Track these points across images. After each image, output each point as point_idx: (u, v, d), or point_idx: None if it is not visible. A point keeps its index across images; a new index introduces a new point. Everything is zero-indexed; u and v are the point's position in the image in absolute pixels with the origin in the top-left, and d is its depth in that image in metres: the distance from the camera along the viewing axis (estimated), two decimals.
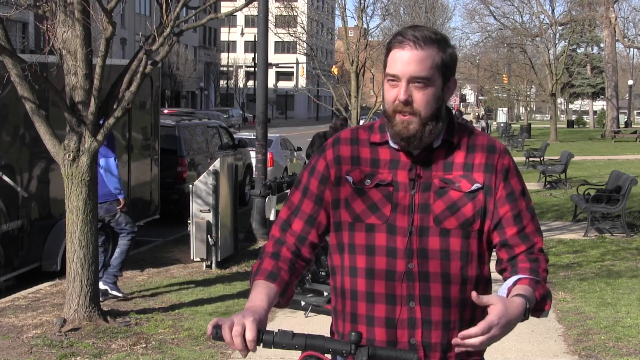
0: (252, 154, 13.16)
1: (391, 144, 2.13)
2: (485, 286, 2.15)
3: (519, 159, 22.66)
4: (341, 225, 2.15)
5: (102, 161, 7.04)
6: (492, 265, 2.18)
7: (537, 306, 1.99)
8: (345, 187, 2.14)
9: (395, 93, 2.05)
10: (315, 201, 2.17)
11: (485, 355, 2.23)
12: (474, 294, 1.89)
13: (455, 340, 1.87)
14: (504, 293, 2.01)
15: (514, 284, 2.01)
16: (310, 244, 2.17)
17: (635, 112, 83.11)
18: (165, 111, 27.16)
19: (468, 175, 2.10)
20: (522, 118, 78.62)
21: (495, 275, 2.18)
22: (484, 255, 2.13)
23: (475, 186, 2.09)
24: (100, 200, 7.01)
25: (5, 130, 7.59)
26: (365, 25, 20.18)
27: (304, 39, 23.16)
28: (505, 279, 2.10)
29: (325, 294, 6.93)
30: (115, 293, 7.26)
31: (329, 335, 2.04)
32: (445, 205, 2.07)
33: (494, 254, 2.19)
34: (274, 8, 23.36)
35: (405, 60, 2.03)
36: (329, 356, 1.89)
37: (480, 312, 2.13)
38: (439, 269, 2.06)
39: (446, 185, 2.09)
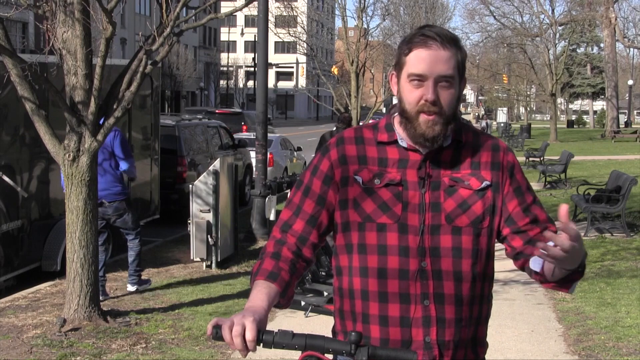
0: (252, 154, 13.16)
1: (400, 143, 2.12)
2: (489, 283, 2.18)
3: (519, 159, 22.66)
4: (349, 225, 2.14)
5: (122, 163, 7.33)
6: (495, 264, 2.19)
7: (571, 275, 2.02)
8: (354, 187, 2.13)
9: (420, 93, 2.04)
10: (317, 201, 2.16)
11: (486, 356, 2.23)
12: (562, 211, 1.83)
13: (542, 245, 1.85)
14: (539, 265, 2.04)
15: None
16: (311, 244, 2.16)
17: (635, 112, 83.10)
18: (218, 111, 29.40)
19: (476, 173, 2.12)
20: (522, 118, 78.66)
21: (497, 275, 2.19)
22: (491, 252, 2.15)
23: (485, 184, 2.11)
24: (110, 199, 7.27)
25: (5, 130, 7.59)
26: (365, 25, 20.21)
27: (304, 39, 23.18)
28: (526, 261, 2.11)
29: (326, 294, 6.92)
30: (145, 286, 7.65)
31: (330, 336, 2.04)
32: (456, 204, 2.09)
33: (497, 253, 2.19)
34: (274, 8, 23.37)
35: (433, 59, 2.02)
36: (329, 356, 1.89)
37: (486, 309, 2.17)
38: (451, 267, 2.07)
39: (456, 183, 2.10)
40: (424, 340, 2.07)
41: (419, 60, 2.03)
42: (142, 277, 7.77)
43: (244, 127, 27.22)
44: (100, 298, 6.76)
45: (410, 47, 2.05)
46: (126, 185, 7.61)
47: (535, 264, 2.06)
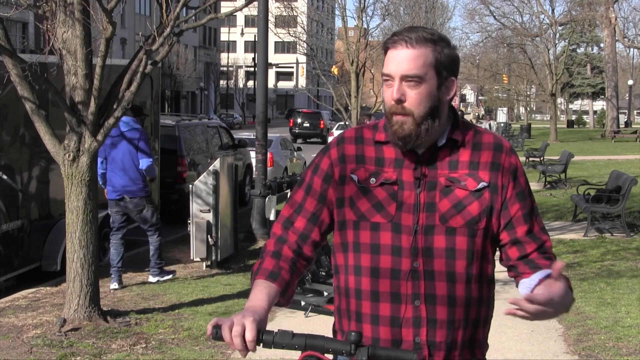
0: (252, 154, 13.16)
1: None
2: (488, 285, 2.15)
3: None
4: (345, 224, 2.14)
5: (144, 162, 7.82)
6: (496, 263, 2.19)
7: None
8: (350, 185, 2.13)
9: (390, 93, 2.06)
10: (318, 199, 2.17)
11: (486, 356, 2.22)
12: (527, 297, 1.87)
13: (509, 310, 1.87)
14: (528, 289, 2.00)
15: (541, 280, 1.99)
16: (312, 242, 2.17)
17: (635, 112, 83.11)
18: (304, 110, 38.46)
19: (474, 173, 2.10)
20: (522, 118, 78.69)
21: (497, 275, 2.18)
22: (488, 253, 2.13)
23: (481, 185, 2.09)
24: (131, 195, 7.77)
25: (5, 130, 7.59)
26: (365, 25, 20.20)
27: (304, 39, 23.18)
28: (517, 277, 2.11)
29: (326, 294, 6.92)
30: (166, 277, 8.07)
31: (330, 335, 2.04)
32: (451, 204, 2.07)
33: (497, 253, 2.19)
34: (274, 8, 23.36)
35: (398, 59, 2.05)
36: (329, 356, 1.89)
37: (485, 311, 2.15)
38: (444, 268, 2.06)
39: (452, 183, 2.09)
40: (413, 341, 2.06)
41: (388, 61, 2.07)
42: (165, 269, 8.14)
43: (322, 122, 38.06)
44: (117, 286, 7.60)
45: (386, 49, 2.10)
46: (147, 183, 7.98)
47: (523, 288, 2.03)
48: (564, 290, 1.92)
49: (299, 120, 40.02)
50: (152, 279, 8.02)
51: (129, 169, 7.77)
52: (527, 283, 2.02)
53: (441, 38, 2.09)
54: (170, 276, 8.07)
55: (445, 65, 2.08)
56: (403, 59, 2.04)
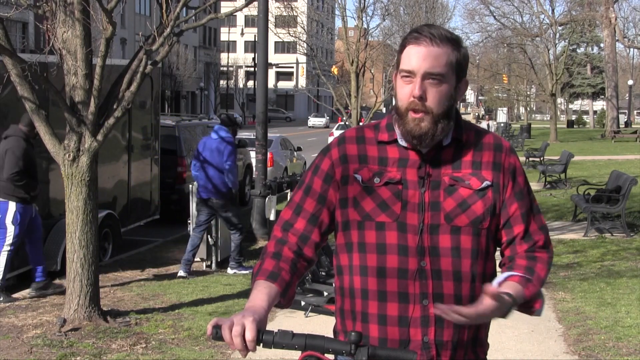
0: (252, 154, 13.16)
1: (400, 142, 2.12)
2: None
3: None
4: (349, 224, 2.14)
5: (228, 164, 8.43)
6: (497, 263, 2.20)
7: (526, 304, 2.05)
8: (354, 185, 2.13)
9: (410, 89, 2.04)
10: (318, 200, 2.17)
11: (486, 356, 2.22)
12: (486, 287, 1.93)
13: (442, 308, 1.93)
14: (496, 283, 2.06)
15: (505, 279, 2.05)
16: (312, 243, 2.16)
17: (635, 112, 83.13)
18: (347, 111, 41.27)
19: (477, 173, 2.11)
20: (522, 118, 78.72)
21: (498, 274, 2.18)
22: (491, 252, 2.15)
23: (485, 184, 2.10)
24: (215, 197, 8.46)
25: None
26: (365, 25, 20.20)
27: (304, 39, 23.16)
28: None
29: (326, 294, 6.92)
30: (243, 272, 8.58)
31: (331, 336, 2.04)
32: (455, 203, 2.08)
33: (498, 252, 2.20)
34: (274, 8, 23.37)
35: (421, 56, 2.03)
36: (329, 356, 1.89)
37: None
38: (450, 267, 2.07)
39: (456, 183, 2.09)
40: (422, 340, 2.06)
41: (409, 56, 2.05)
42: (244, 265, 8.69)
43: (362, 119, 43.73)
44: (184, 274, 8.25)
45: (404, 44, 2.08)
46: (229, 188, 8.54)
47: (495, 281, 2.08)
48: (493, 307, 1.94)
49: (345, 117, 50.03)
50: (229, 271, 8.61)
51: (213, 172, 8.43)
52: (498, 278, 2.09)
53: (457, 38, 2.10)
54: (246, 272, 8.46)
55: (461, 66, 2.09)
56: (427, 56, 2.02)
